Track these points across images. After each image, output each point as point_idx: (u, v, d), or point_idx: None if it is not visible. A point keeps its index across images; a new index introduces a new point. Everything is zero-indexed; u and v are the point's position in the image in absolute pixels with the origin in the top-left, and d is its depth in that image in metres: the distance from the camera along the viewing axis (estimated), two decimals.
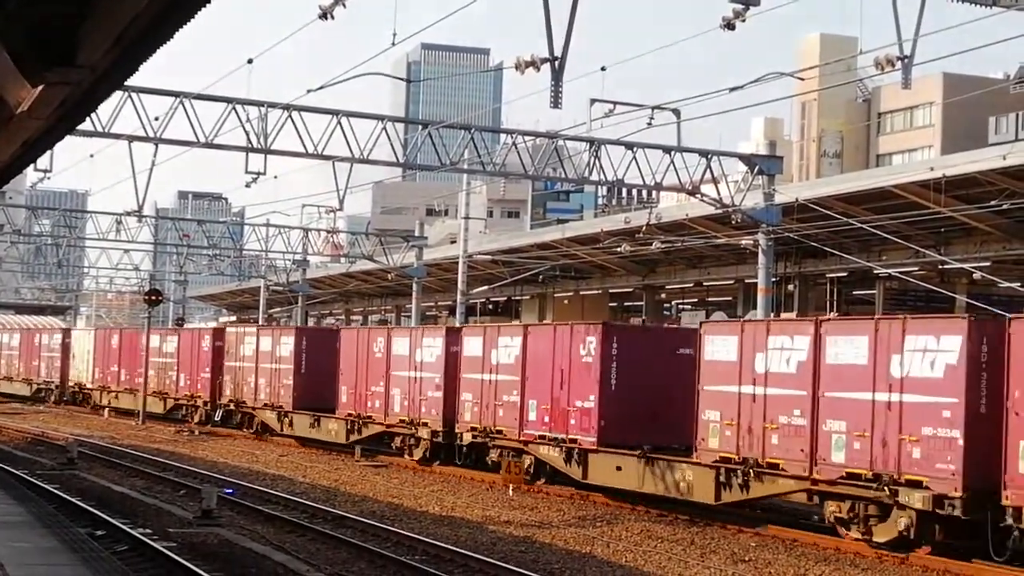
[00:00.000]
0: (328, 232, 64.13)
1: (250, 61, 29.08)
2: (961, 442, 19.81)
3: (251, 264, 71.05)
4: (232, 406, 47.91)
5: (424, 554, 20.48)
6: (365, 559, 19.98)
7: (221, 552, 20.24)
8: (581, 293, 61.11)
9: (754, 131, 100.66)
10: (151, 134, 30.05)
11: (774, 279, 37.32)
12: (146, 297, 56.69)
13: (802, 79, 42.02)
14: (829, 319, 24.39)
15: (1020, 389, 19.13)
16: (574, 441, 28.85)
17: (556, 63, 21.41)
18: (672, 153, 33.35)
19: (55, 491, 26.82)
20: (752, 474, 23.75)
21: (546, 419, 29.87)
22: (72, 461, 33.90)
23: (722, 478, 24.47)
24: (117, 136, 30.30)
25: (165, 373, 54.07)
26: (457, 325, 42.71)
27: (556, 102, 22.33)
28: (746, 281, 47.58)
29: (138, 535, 20.94)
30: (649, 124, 31.06)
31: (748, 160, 35.73)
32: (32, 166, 26.84)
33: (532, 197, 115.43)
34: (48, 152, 28.03)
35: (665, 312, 63.76)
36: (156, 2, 6.10)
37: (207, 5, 6.31)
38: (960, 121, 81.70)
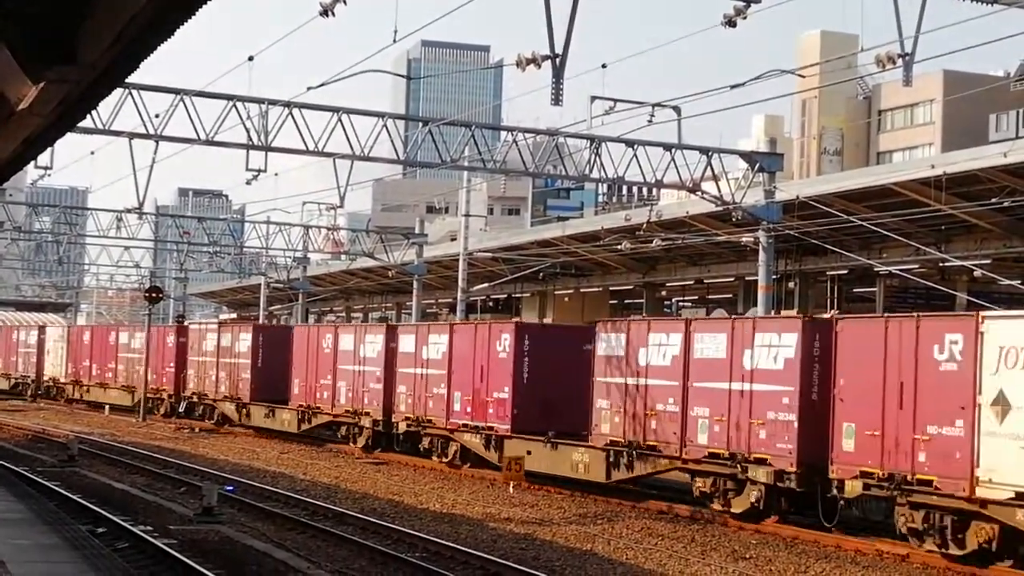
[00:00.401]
0: (329, 229, 64.15)
1: (251, 58, 29.09)
2: (796, 425, 22.95)
3: (251, 261, 71.09)
4: (195, 398, 50.56)
5: (425, 551, 20.49)
6: (366, 556, 19.99)
7: (222, 549, 20.24)
8: (582, 291, 61.12)
9: (755, 128, 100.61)
10: (151, 131, 30.04)
11: (774, 276, 37.31)
12: (146, 294, 56.73)
13: (803, 76, 42.02)
14: (698, 319, 28.48)
15: (845, 378, 22.06)
16: (491, 428, 31.69)
17: (557, 60, 21.41)
18: (673, 150, 33.33)
19: (56, 488, 26.83)
20: (636, 455, 26.66)
21: (468, 409, 32.70)
22: (73, 458, 33.92)
23: (611, 459, 27.49)
24: (118, 133, 30.29)
25: (132, 368, 56.31)
26: (455, 321, 43.04)
27: (557, 99, 22.33)
28: (746, 278, 47.57)
29: (139, 532, 20.95)
30: (650, 121, 31.03)
31: (749, 157, 35.71)
32: (33, 163, 26.86)
33: (532, 194, 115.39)
34: (49, 149, 28.01)
35: (666, 309, 63.74)
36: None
37: (208, 2, 6.31)
38: (960, 118, 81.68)
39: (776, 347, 23.60)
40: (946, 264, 39.96)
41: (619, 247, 43.30)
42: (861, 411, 21.50)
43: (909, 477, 20.52)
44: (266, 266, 70.60)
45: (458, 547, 20.42)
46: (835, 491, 21.98)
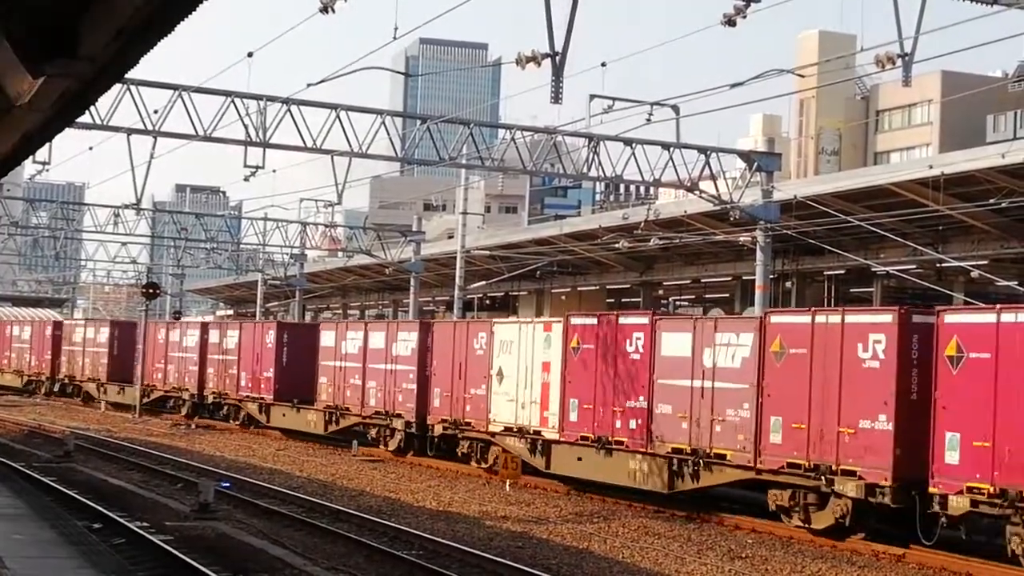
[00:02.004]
0: (326, 226, 64.11)
1: (250, 55, 28.96)
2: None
3: (248, 258, 71.04)
4: (67, 380, 63.03)
5: (421, 549, 20.49)
6: (362, 553, 19.98)
7: (218, 546, 20.24)
8: (579, 289, 61.13)
9: (753, 128, 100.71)
10: (150, 127, 30.00)
11: (772, 276, 37.32)
12: (143, 290, 56.71)
13: (802, 76, 42.02)
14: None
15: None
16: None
17: (557, 58, 21.39)
18: (671, 149, 33.32)
19: (52, 484, 26.83)
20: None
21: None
22: (69, 454, 33.91)
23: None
24: (116, 129, 30.25)
25: (22, 356, 68.14)
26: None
27: (557, 97, 22.32)
28: (744, 278, 47.58)
29: (135, 528, 20.95)
30: (648, 120, 30.98)
31: (747, 157, 35.71)
32: (31, 158, 26.81)
33: (530, 193, 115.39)
34: (47, 144, 27.97)
35: (663, 308, 63.77)
36: None
37: None
38: (958, 119, 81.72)
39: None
40: (943, 264, 39.97)
41: (616, 246, 43.29)
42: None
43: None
44: (263, 263, 70.54)
45: (454, 545, 20.43)
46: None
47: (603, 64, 27.43)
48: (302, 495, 26.61)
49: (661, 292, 60.78)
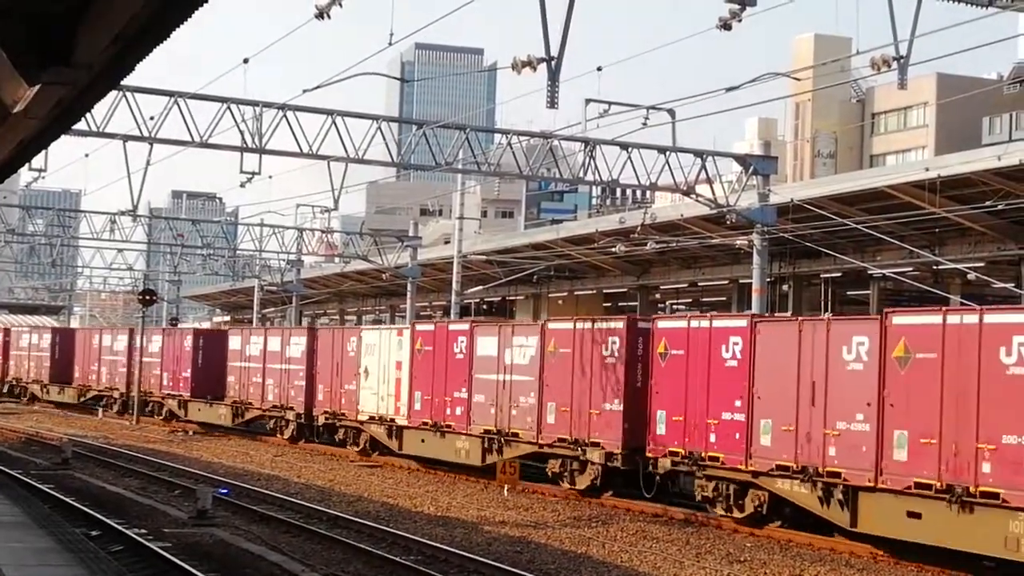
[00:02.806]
0: (322, 232, 64.05)
1: (246, 61, 28.99)
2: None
3: (245, 264, 70.92)
4: (15, 382, 70.03)
5: (419, 554, 20.47)
6: (361, 559, 19.97)
7: (216, 552, 20.23)
8: (576, 293, 61.10)
9: (748, 131, 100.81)
10: (146, 134, 29.97)
11: (769, 279, 37.32)
12: (140, 297, 56.66)
13: (797, 79, 41.98)
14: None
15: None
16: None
17: (552, 63, 21.39)
18: (667, 153, 33.34)
19: (50, 491, 26.81)
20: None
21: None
22: (67, 461, 33.90)
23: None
24: (112, 136, 30.23)
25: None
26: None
27: (553, 102, 22.31)
28: (740, 281, 47.58)
29: (133, 535, 20.93)
30: (644, 124, 31.00)
31: (743, 160, 35.72)
32: (27, 165, 26.81)
33: (526, 197, 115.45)
34: (43, 151, 27.97)
35: (659, 311, 63.74)
36: (153, 1, 6.08)
37: (204, 4, 6.29)
38: (954, 122, 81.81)
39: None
40: (940, 267, 39.98)
41: (613, 250, 43.26)
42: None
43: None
44: (260, 269, 70.49)
45: (452, 550, 20.41)
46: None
47: (599, 68, 27.47)
48: (300, 501, 26.59)
49: (658, 296, 60.76)
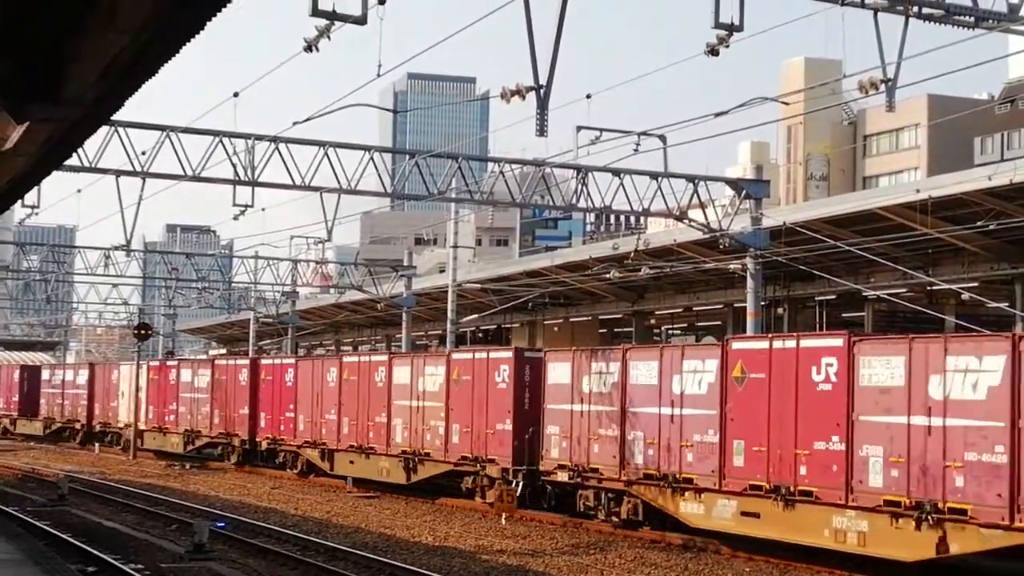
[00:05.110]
0: (317, 263, 64.07)
1: (236, 94, 29.03)
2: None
3: (240, 296, 70.94)
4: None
5: None
6: None
7: None
8: (571, 320, 61.09)
9: (741, 155, 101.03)
10: (138, 168, 30.01)
11: (763, 303, 37.33)
12: (135, 331, 56.62)
13: (786, 103, 42.11)
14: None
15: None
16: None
17: (541, 91, 21.45)
18: (659, 179, 33.40)
19: (46, 528, 26.70)
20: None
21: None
22: (63, 497, 33.78)
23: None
24: (104, 171, 30.27)
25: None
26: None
27: (542, 130, 22.35)
28: (735, 305, 47.58)
29: (130, 571, 20.85)
30: (635, 150, 31.07)
31: (735, 184, 35.78)
32: (20, 202, 26.82)
33: (520, 225, 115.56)
34: (35, 187, 27.98)
35: (655, 337, 63.73)
36: (140, 38, 6.11)
37: (189, 41, 6.32)
38: (946, 142, 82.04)
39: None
40: (934, 288, 40.01)
41: (607, 276, 43.28)
42: None
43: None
44: (255, 301, 70.48)
45: None
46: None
47: (588, 96, 27.51)
48: (297, 533, 26.52)
49: (653, 321, 60.77)
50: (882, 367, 21.13)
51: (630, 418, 27.11)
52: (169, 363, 55.54)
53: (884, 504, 20.74)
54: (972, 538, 19.56)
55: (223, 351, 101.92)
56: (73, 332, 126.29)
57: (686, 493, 25.35)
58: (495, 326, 66.98)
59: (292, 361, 44.82)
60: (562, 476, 29.08)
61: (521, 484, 30.35)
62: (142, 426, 54.16)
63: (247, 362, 47.38)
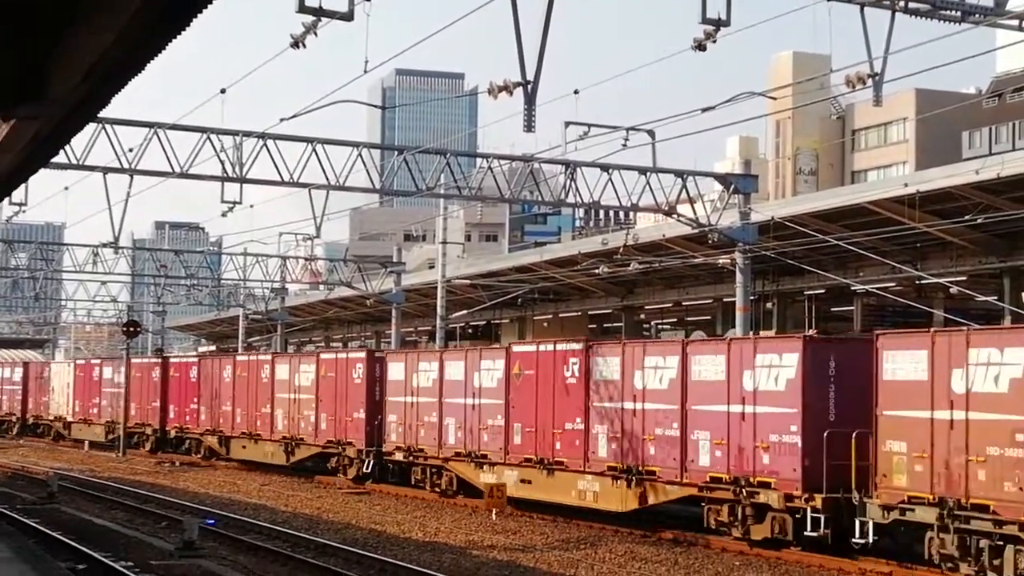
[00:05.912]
0: (306, 260, 63.96)
1: (223, 91, 28.95)
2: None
3: (229, 293, 70.80)
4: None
5: None
6: None
7: None
8: (560, 315, 61.09)
9: (729, 150, 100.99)
10: (126, 165, 29.96)
11: (752, 297, 37.35)
12: (124, 329, 56.52)
13: (774, 98, 42.03)
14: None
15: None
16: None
17: (529, 87, 21.44)
18: (648, 174, 33.41)
19: (36, 525, 26.67)
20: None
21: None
22: (52, 495, 33.73)
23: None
24: (92, 168, 30.21)
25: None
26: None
27: (529, 126, 22.35)
28: (724, 300, 47.60)
29: (120, 568, 20.83)
30: (624, 145, 31.03)
31: (724, 179, 35.80)
32: (7, 199, 26.77)
33: (509, 220, 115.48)
34: (23, 185, 27.90)
35: (645, 332, 63.76)
36: (125, 36, 6.10)
37: (174, 39, 6.31)
38: (934, 137, 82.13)
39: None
40: (922, 282, 40.07)
41: (597, 271, 43.30)
42: None
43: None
44: (244, 298, 70.37)
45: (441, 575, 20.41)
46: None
47: (576, 91, 27.49)
48: (287, 530, 26.51)
49: (643, 316, 60.80)
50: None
51: (445, 407, 33.74)
52: (92, 361, 63.71)
53: (607, 470, 27.38)
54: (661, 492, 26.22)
55: (212, 348, 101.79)
56: (62, 330, 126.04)
57: (484, 466, 31.90)
58: (484, 322, 66.98)
59: (195, 359, 52.15)
60: (399, 456, 35.62)
61: (371, 463, 36.64)
62: (70, 418, 62.02)
63: (159, 361, 54.23)
